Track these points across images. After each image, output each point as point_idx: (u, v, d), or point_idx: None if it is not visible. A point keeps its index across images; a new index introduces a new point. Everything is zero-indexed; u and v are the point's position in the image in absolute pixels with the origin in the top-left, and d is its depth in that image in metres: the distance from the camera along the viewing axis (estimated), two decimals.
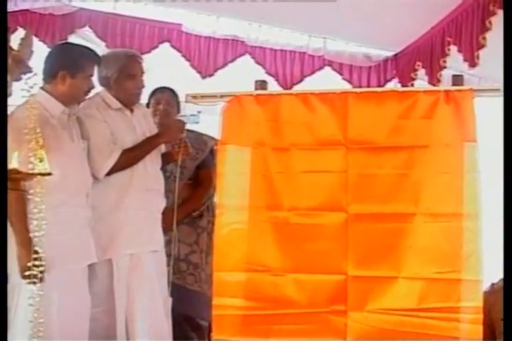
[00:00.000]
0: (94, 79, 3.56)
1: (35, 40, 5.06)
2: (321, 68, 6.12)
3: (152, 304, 3.62)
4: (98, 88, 3.71)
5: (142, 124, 3.82)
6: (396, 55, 6.05)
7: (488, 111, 4.75)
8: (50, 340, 2.96)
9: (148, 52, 5.82)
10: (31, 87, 2.79)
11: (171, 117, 4.49)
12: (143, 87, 3.82)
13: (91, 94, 3.61)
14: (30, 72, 2.79)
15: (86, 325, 3.39)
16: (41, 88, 3.36)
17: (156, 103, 4.50)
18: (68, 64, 3.41)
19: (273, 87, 5.73)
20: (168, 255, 3.96)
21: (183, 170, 4.34)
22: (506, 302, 2.39)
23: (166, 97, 4.53)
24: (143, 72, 3.81)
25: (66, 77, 3.39)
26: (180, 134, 3.86)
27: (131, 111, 3.79)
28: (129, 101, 3.76)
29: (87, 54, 3.51)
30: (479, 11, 4.15)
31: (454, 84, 3.57)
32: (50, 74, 3.39)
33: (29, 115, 2.76)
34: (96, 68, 3.56)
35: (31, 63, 2.92)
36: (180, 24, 5.93)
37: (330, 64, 6.12)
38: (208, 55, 5.99)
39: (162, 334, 3.63)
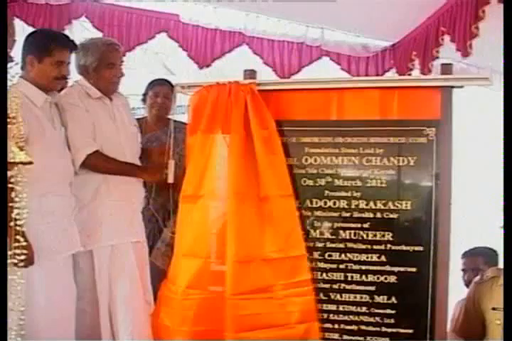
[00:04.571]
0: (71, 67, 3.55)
1: (31, 30, 5.11)
2: (318, 58, 6.12)
3: (134, 295, 3.62)
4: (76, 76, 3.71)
5: (122, 113, 3.79)
6: (394, 45, 6.03)
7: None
8: (34, 328, 2.97)
9: (145, 42, 5.83)
10: (13, 77, 2.80)
11: (167, 111, 4.52)
12: (122, 75, 3.78)
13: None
14: (12, 61, 2.79)
15: (72, 313, 3.41)
16: (20, 76, 3.35)
17: (155, 95, 4.58)
18: (35, 48, 3.39)
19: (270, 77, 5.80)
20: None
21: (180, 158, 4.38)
22: (506, 301, 2.37)
23: (164, 90, 4.56)
24: (122, 61, 3.79)
25: (34, 61, 3.37)
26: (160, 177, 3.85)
27: (111, 99, 3.76)
28: (107, 90, 3.73)
29: (56, 39, 3.46)
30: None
31: (443, 73, 3.56)
32: (22, 60, 3.38)
33: (11, 105, 2.75)
34: (73, 56, 3.55)
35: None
36: (177, 14, 5.91)
37: (328, 54, 6.11)
38: (205, 45, 5.98)
39: (145, 324, 3.64)
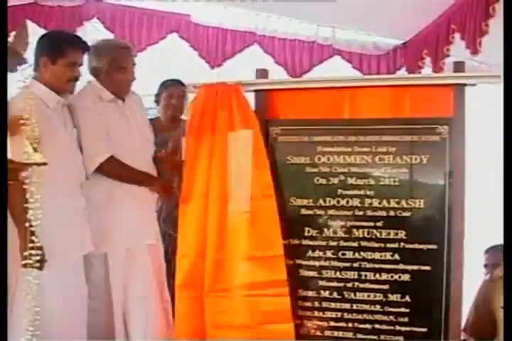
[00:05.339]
0: (83, 68, 3.55)
1: (43, 32, 5.12)
2: (330, 57, 6.12)
3: (148, 297, 3.63)
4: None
5: (135, 114, 3.78)
6: (405, 43, 6.02)
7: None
8: (47, 328, 2.98)
9: (157, 42, 5.85)
10: (26, 78, 2.80)
11: (182, 111, 4.54)
12: (133, 79, 3.75)
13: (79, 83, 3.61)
14: (25, 63, 2.80)
15: (83, 313, 3.42)
16: (33, 78, 3.35)
17: (169, 96, 4.61)
18: (49, 50, 3.40)
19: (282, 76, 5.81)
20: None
21: None
22: (506, 300, 2.36)
23: (178, 91, 4.58)
24: (134, 64, 3.75)
25: (47, 63, 3.39)
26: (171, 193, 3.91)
27: (123, 100, 3.74)
28: (119, 93, 3.70)
29: (69, 40, 3.47)
30: None
31: (455, 71, 3.55)
32: (35, 61, 3.39)
33: (25, 106, 2.76)
34: (86, 57, 3.56)
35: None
36: (188, 15, 5.92)
37: (339, 53, 6.11)
38: (216, 45, 6.00)
39: (159, 327, 3.66)
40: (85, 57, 3.58)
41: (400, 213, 3.50)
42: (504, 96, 2.46)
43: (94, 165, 3.53)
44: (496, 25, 3.99)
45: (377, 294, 3.51)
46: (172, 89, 4.61)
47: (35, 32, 4.53)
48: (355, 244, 3.56)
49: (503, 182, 2.38)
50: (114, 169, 3.60)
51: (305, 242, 3.62)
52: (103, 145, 3.57)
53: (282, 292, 3.47)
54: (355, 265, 3.55)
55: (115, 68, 3.66)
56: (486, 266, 4.38)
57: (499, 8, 3.91)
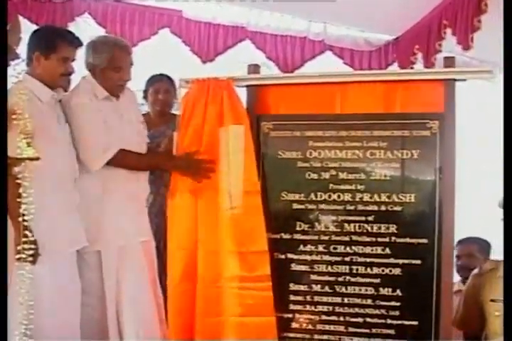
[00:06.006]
0: (76, 64, 3.54)
1: (34, 27, 5.12)
2: (321, 53, 6.14)
3: (141, 293, 3.63)
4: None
5: (129, 111, 3.76)
6: (397, 38, 6.04)
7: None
8: (40, 321, 2.99)
9: (148, 38, 5.84)
10: (19, 73, 2.81)
11: (170, 106, 4.55)
12: (128, 79, 3.70)
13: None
14: (18, 58, 2.81)
15: (76, 309, 3.42)
16: (26, 73, 3.33)
17: (155, 92, 4.59)
18: (42, 45, 3.38)
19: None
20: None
21: None
22: (506, 299, 2.38)
23: (164, 86, 4.57)
24: (131, 64, 3.70)
25: (40, 58, 3.37)
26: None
27: (117, 97, 3.70)
28: (112, 91, 3.66)
29: (62, 35, 3.45)
30: None
31: (445, 66, 3.56)
32: (28, 56, 3.38)
33: (18, 101, 2.77)
34: (83, 52, 3.56)
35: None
36: (180, 10, 5.92)
37: (331, 48, 6.13)
38: (208, 40, 5.99)
39: (152, 324, 3.65)
40: (79, 52, 3.55)
41: (391, 208, 3.52)
42: (504, 94, 2.48)
43: (102, 161, 3.51)
44: (488, 20, 4.02)
45: (369, 288, 3.53)
46: (158, 85, 4.60)
47: (26, 27, 4.55)
48: (347, 238, 3.57)
49: (503, 181, 2.39)
50: (126, 161, 3.60)
51: (297, 236, 3.63)
52: (108, 141, 3.54)
53: (265, 286, 3.50)
54: (347, 259, 3.56)
55: (111, 67, 3.61)
56: (458, 256, 4.40)
57: (492, 3, 3.93)
